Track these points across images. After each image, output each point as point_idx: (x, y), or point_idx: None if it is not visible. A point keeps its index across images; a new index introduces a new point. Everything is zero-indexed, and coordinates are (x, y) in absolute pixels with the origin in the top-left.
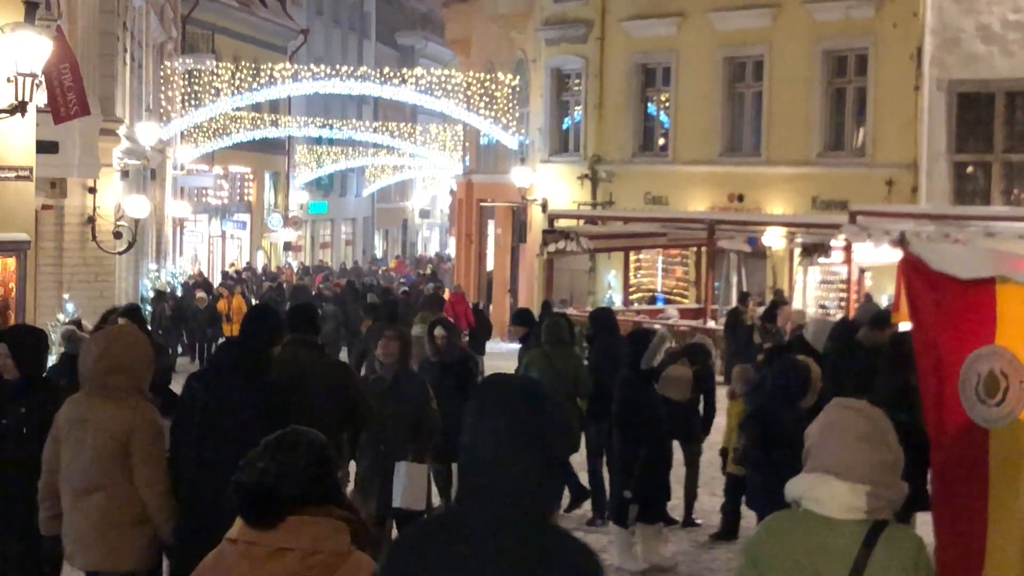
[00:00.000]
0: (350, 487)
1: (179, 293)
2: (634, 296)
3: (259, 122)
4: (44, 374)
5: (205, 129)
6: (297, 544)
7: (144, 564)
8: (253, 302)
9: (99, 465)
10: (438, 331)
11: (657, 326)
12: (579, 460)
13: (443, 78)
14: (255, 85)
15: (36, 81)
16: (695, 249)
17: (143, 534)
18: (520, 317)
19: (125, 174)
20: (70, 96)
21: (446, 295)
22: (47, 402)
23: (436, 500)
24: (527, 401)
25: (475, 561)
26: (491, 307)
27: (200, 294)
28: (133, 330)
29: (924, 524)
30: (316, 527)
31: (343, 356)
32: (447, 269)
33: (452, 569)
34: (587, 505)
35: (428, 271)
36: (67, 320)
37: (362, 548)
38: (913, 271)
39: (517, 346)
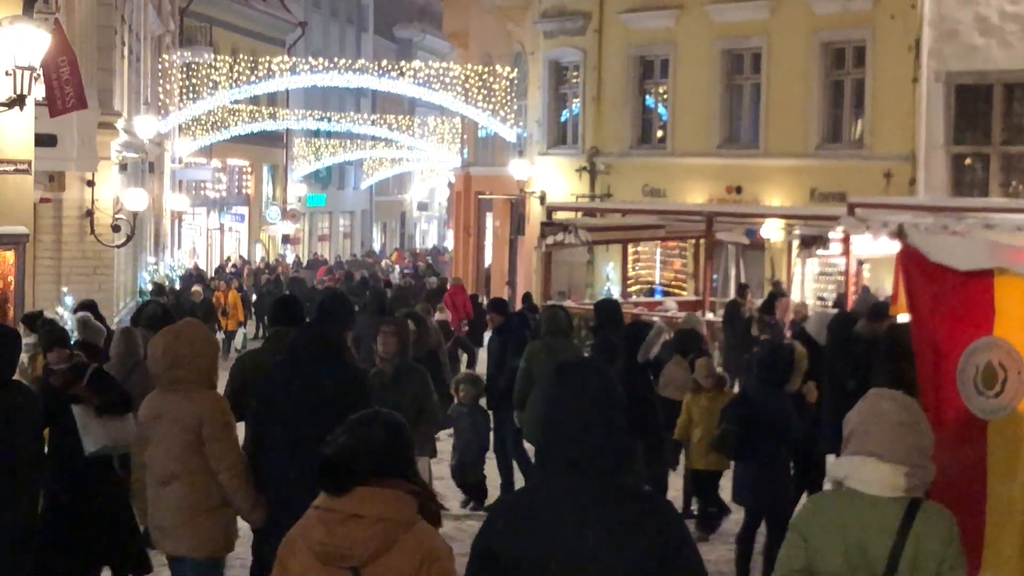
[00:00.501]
0: None
1: (177, 287)
2: (632, 288)
3: (257, 115)
4: (14, 375)
5: (203, 122)
6: (367, 511)
7: (224, 548)
8: (253, 296)
9: (176, 456)
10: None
11: (655, 319)
12: None
13: (441, 71)
14: (253, 78)
15: (34, 74)
16: (693, 241)
17: (223, 520)
18: (495, 306)
19: (123, 167)
20: (67, 89)
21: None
22: (17, 405)
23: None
24: (602, 382)
25: (571, 524)
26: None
27: (196, 288)
28: (197, 325)
29: None
30: (385, 497)
31: None
32: (444, 262)
33: (550, 534)
34: None
35: (425, 264)
36: (76, 305)
37: (429, 519)
38: (911, 263)
39: None
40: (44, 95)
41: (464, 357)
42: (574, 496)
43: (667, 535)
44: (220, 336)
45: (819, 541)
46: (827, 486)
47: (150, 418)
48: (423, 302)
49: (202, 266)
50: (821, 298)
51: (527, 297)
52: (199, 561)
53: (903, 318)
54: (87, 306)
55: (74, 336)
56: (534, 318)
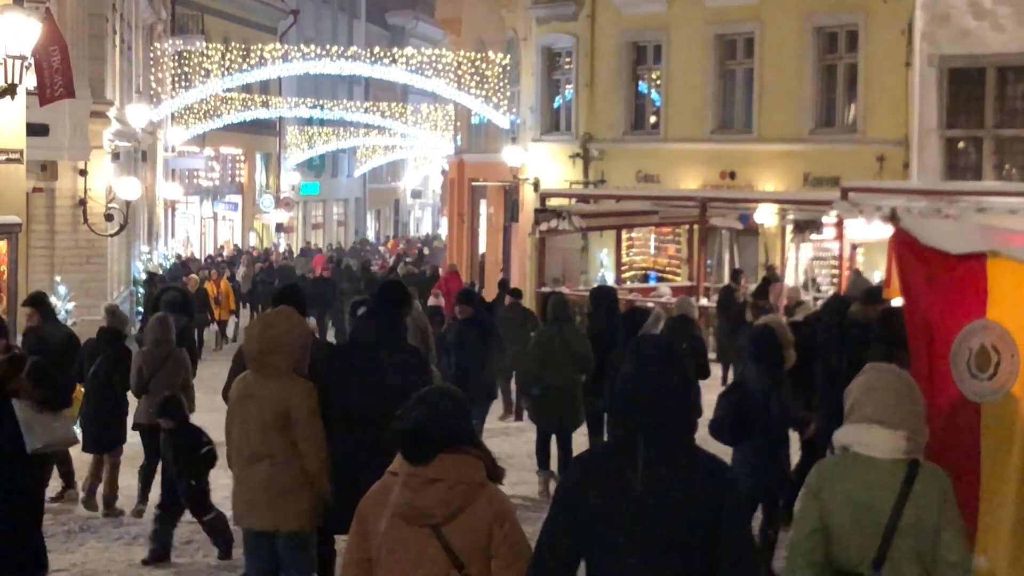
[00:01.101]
0: None
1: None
2: (626, 274)
3: (250, 103)
4: None
5: (196, 110)
6: (445, 475)
7: (306, 525)
8: (244, 286)
9: (264, 436)
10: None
11: (650, 304)
12: (580, 433)
13: (434, 57)
14: (245, 66)
15: (26, 63)
16: (687, 227)
17: (305, 497)
18: (464, 297)
19: (116, 156)
20: (56, 78)
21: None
22: None
23: None
24: (672, 355)
25: (639, 480)
26: (483, 286)
27: (192, 276)
28: (291, 313)
29: None
30: (459, 462)
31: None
32: (437, 248)
33: (619, 487)
34: None
35: (417, 252)
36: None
37: (494, 481)
38: (904, 247)
39: None
40: (35, 85)
41: None
42: (643, 455)
43: (721, 492)
44: (213, 327)
45: (831, 501)
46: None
47: (241, 398)
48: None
49: (197, 254)
50: (814, 281)
51: (503, 284)
52: (288, 535)
53: (896, 302)
54: (36, 299)
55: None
56: (517, 303)
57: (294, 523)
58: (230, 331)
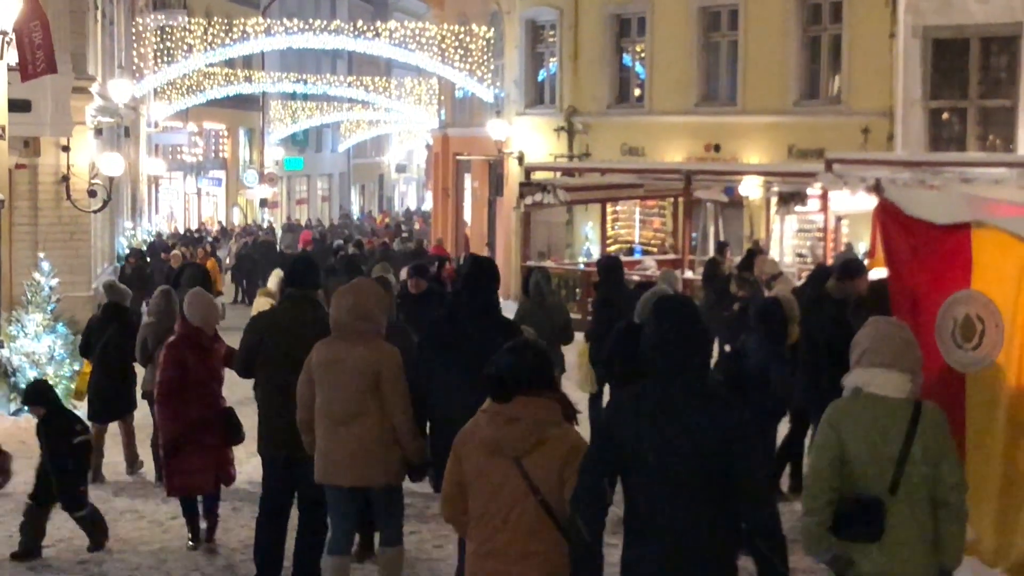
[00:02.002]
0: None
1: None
2: (612, 248)
3: (233, 78)
4: None
5: (178, 86)
6: (524, 414)
7: (391, 480)
8: (226, 260)
9: (356, 398)
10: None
11: (636, 277)
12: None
13: (417, 31)
14: (228, 41)
15: (7, 39)
16: (672, 200)
17: (391, 455)
18: (418, 270)
19: (99, 132)
20: (38, 54)
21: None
22: None
23: None
24: (690, 309)
25: (667, 415)
26: None
27: (175, 252)
28: (373, 283)
29: None
30: (538, 403)
31: None
32: (421, 225)
33: (651, 420)
34: None
35: (397, 227)
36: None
37: (568, 421)
38: (888, 217)
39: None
40: (17, 61)
41: None
42: (670, 395)
43: (734, 426)
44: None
45: (848, 434)
46: (845, 394)
47: (327, 363)
48: (383, 262)
49: (182, 230)
50: (800, 254)
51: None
52: (381, 489)
53: (878, 272)
54: None
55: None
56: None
57: (382, 478)
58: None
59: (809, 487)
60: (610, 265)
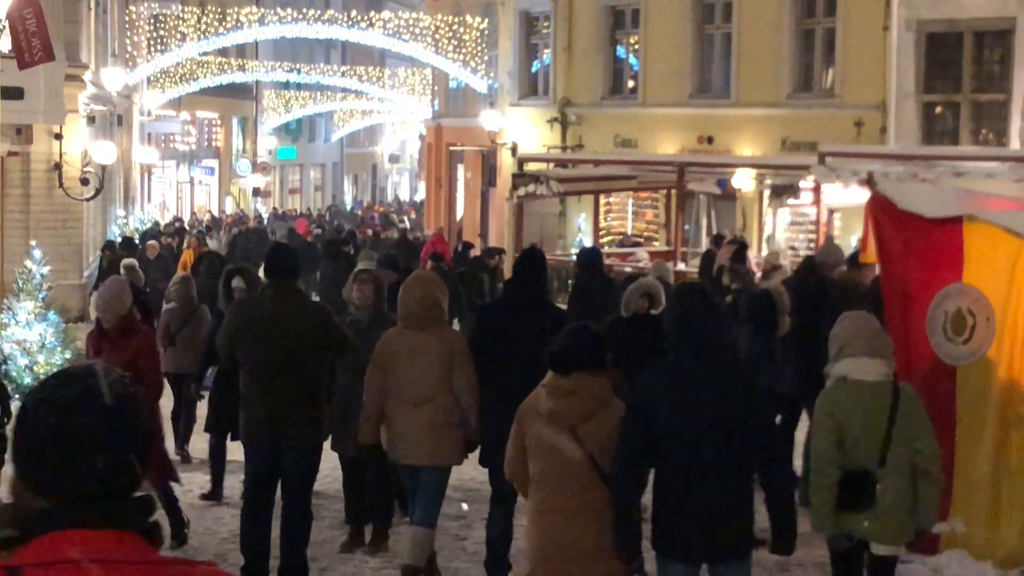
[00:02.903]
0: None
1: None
2: (604, 239)
3: (226, 67)
4: None
5: (172, 74)
6: (580, 388)
7: (458, 459)
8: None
9: (430, 382)
10: (236, 282)
11: (628, 269)
12: None
13: (411, 21)
14: (221, 29)
15: (0, 26)
16: (665, 192)
17: (458, 435)
18: (387, 261)
19: (91, 120)
20: (34, 42)
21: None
22: None
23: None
24: (706, 295)
25: (693, 385)
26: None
27: (151, 243)
28: (434, 274)
29: None
30: (592, 380)
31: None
32: (411, 214)
33: (679, 392)
34: None
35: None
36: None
37: (619, 397)
38: (881, 211)
39: None
40: (10, 48)
41: None
42: (694, 367)
43: (751, 393)
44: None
45: (843, 417)
46: (828, 383)
47: (399, 352)
48: (368, 249)
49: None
50: (792, 247)
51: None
52: (435, 469)
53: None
54: None
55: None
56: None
57: (445, 459)
58: None
59: (817, 469)
60: (588, 257)
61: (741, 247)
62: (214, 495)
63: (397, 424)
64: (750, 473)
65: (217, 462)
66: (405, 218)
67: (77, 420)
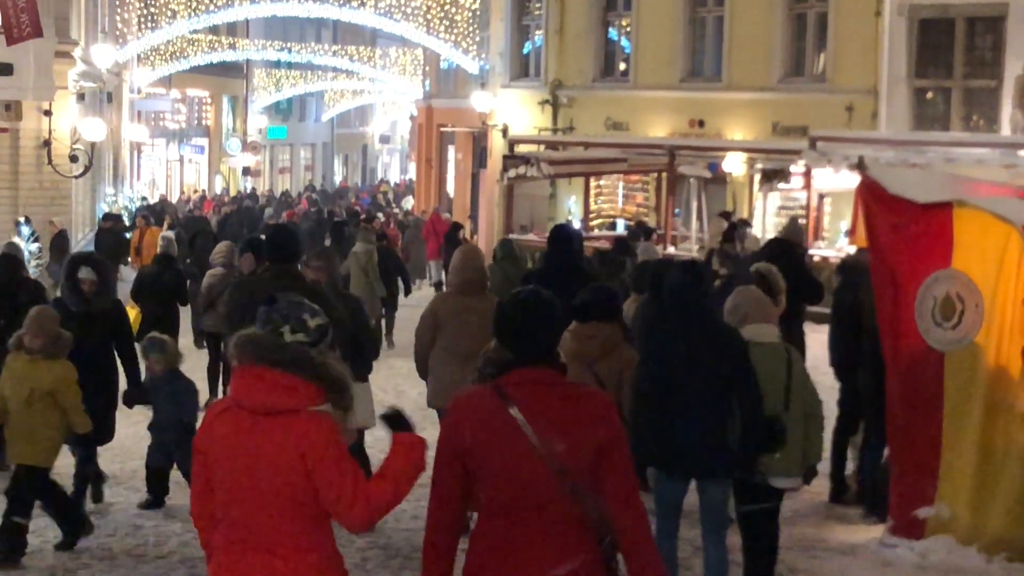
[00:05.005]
0: None
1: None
2: (594, 222)
3: (217, 45)
4: None
5: (162, 52)
6: (598, 333)
7: None
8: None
9: (479, 338)
10: (85, 273)
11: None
12: None
13: (403, 1)
14: (212, 7)
15: None
16: (655, 175)
17: None
18: (249, 245)
19: (81, 97)
20: (23, 17)
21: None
22: None
23: None
24: (697, 268)
25: (682, 344)
26: None
27: (106, 224)
28: (477, 246)
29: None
30: (606, 327)
31: None
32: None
33: (670, 350)
34: None
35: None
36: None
37: (626, 341)
38: (871, 195)
39: None
40: (0, 24)
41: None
42: (682, 328)
43: (733, 351)
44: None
45: (760, 370)
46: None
47: (454, 312)
48: (365, 231)
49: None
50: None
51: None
52: None
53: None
54: None
55: None
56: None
57: None
58: None
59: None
60: (552, 235)
61: (731, 227)
62: None
63: (445, 375)
64: (730, 410)
65: None
66: (403, 203)
67: (538, 313)
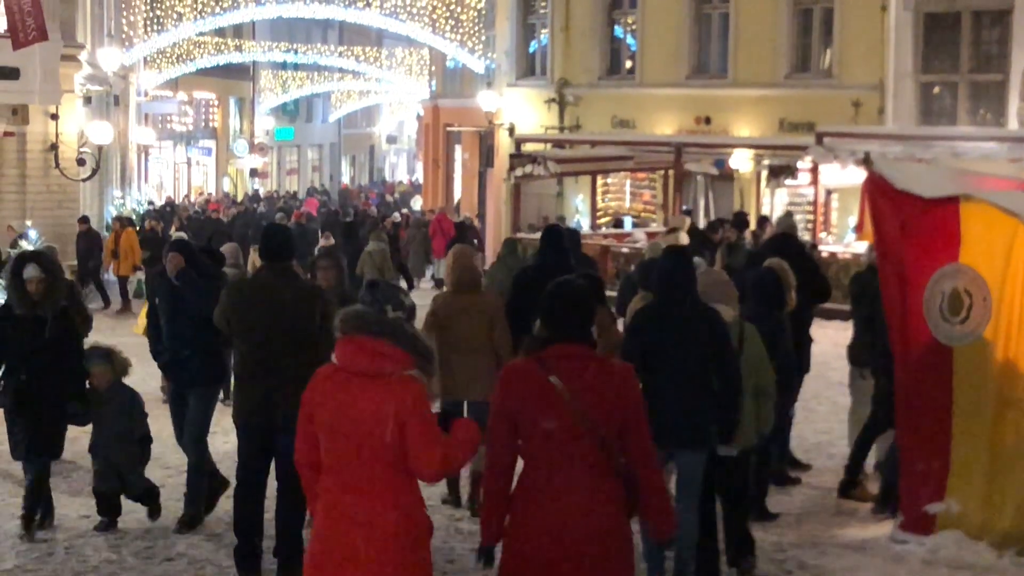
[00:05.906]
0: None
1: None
2: (602, 220)
3: (223, 47)
4: None
5: (168, 54)
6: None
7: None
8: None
9: (479, 335)
10: (32, 271)
11: (625, 250)
12: None
13: (408, 1)
14: (218, 9)
15: None
16: (662, 172)
17: (495, 377)
18: (178, 246)
19: (88, 100)
20: (29, 21)
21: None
22: None
23: None
24: (686, 256)
25: (675, 324)
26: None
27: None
28: (466, 247)
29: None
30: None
31: None
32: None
33: (660, 329)
34: None
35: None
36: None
37: (613, 324)
38: (877, 191)
39: None
40: (6, 27)
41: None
42: (674, 310)
43: (719, 334)
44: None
45: None
46: None
47: (455, 310)
48: (377, 231)
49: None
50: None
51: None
52: (481, 402)
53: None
54: None
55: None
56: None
57: (488, 393)
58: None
59: None
60: (545, 233)
61: (736, 218)
62: None
63: (456, 370)
64: (710, 386)
65: None
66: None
67: (572, 299)
